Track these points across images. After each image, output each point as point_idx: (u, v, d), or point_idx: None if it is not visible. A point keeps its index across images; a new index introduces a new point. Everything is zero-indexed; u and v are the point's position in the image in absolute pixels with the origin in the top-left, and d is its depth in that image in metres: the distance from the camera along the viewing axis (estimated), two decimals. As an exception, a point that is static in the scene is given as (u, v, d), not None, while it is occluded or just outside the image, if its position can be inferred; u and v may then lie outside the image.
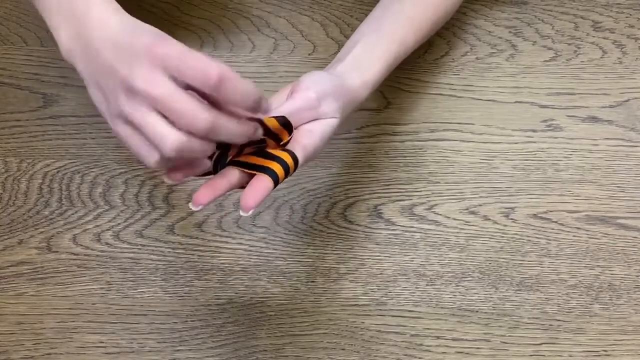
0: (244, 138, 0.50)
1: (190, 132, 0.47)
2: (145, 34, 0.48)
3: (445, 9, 0.70)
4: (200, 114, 0.47)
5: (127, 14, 0.51)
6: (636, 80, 0.76)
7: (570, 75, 0.76)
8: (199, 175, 0.54)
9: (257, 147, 0.55)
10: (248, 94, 0.49)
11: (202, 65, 0.46)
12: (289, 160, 0.54)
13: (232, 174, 0.53)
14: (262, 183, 0.53)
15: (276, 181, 0.53)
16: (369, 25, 0.66)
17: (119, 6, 0.52)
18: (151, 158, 0.48)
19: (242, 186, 0.55)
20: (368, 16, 0.68)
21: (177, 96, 0.47)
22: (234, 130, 0.49)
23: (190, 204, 0.52)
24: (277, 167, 0.54)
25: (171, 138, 0.47)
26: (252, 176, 0.54)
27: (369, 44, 0.64)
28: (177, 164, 0.51)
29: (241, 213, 0.52)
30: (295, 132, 0.57)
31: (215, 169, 0.54)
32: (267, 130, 0.53)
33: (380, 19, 0.67)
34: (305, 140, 0.57)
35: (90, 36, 0.50)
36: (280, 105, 0.57)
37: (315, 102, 0.57)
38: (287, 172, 0.54)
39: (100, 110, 0.51)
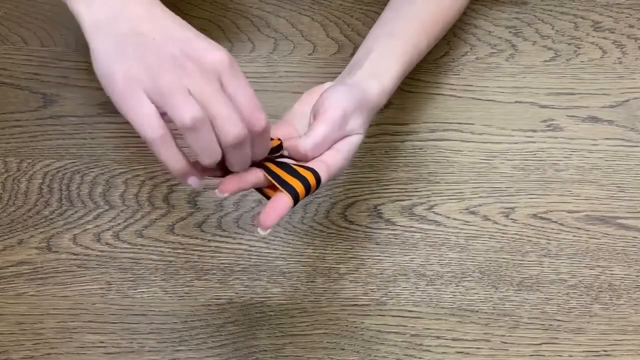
0: (243, 165, 0.52)
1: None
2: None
3: (453, 13, 0.70)
4: (258, 115, 0.49)
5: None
6: (636, 80, 0.76)
7: (570, 75, 0.77)
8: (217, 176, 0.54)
9: (275, 156, 0.56)
10: (267, 150, 0.52)
11: (256, 105, 0.49)
12: (312, 181, 0.55)
13: (259, 173, 0.54)
14: (282, 202, 0.53)
15: (296, 201, 0.54)
16: (380, 31, 0.66)
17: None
18: (190, 112, 0.47)
19: (260, 187, 0.55)
20: (380, 19, 0.67)
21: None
22: (246, 155, 0.51)
23: (216, 191, 0.51)
24: (299, 187, 0.54)
25: (238, 125, 0.48)
26: (270, 182, 0.54)
27: (385, 49, 0.64)
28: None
29: (259, 231, 0.52)
30: None
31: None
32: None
33: (391, 23, 0.66)
34: (331, 159, 0.57)
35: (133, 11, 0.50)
36: (310, 130, 0.56)
37: (343, 121, 0.57)
38: (307, 192, 0.55)
39: (114, 73, 0.48)
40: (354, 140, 0.58)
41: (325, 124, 0.56)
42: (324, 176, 0.56)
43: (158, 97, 0.47)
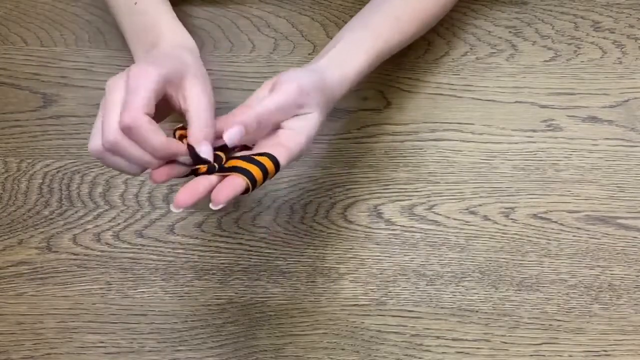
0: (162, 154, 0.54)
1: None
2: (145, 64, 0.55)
3: (433, 14, 0.71)
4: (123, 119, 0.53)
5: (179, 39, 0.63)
6: (636, 80, 0.76)
7: (570, 75, 0.76)
8: (181, 177, 0.56)
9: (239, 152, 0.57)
10: (158, 149, 0.54)
11: (129, 106, 0.53)
12: (268, 164, 0.56)
13: (211, 178, 0.55)
14: (234, 180, 0.54)
15: (253, 182, 0.55)
16: (355, 22, 0.67)
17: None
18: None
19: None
20: (357, 14, 0.68)
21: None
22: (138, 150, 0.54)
23: (171, 206, 0.54)
24: (255, 170, 0.55)
25: (112, 129, 0.53)
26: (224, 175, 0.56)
27: (353, 40, 0.65)
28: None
29: (210, 206, 0.54)
30: (280, 132, 0.58)
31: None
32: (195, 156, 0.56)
33: (368, 16, 0.67)
34: (290, 142, 0.58)
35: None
36: (262, 100, 0.57)
37: (297, 96, 0.58)
38: (265, 175, 0.56)
39: None
40: (312, 119, 0.59)
41: (277, 96, 0.57)
42: (283, 159, 0.57)
43: None
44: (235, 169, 0.55)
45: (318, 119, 0.59)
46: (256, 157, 0.56)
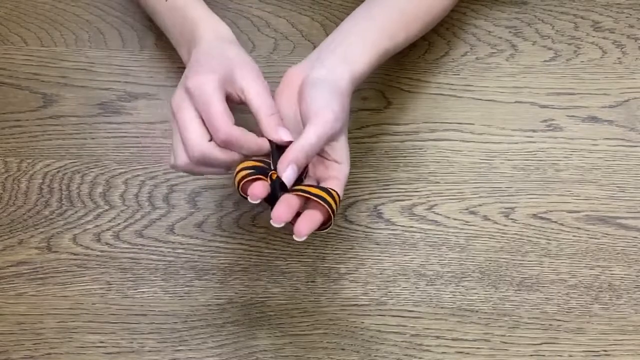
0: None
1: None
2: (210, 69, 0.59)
3: (437, 11, 0.71)
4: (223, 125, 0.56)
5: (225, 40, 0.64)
6: (636, 80, 0.76)
7: (570, 75, 0.77)
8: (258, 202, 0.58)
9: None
10: (256, 151, 0.58)
11: (217, 123, 0.56)
12: (337, 199, 0.59)
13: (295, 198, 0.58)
14: (314, 214, 0.58)
15: (330, 210, 0.58)
16: (360, 16, 0.67)
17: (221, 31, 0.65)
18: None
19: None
20: (360, 6, 0.68)
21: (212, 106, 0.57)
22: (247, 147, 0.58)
23: (271, 221, 0.57)
24: (332, 203, 0.58)
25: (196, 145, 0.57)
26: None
27: (360, 37, 0.65)
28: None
29: (295, 237, 0.57)
30: (328, 164, 0.61)
31: (274, 194, 0.58)
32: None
33: (372, 10, 0.67)
34: (341, 173, 0.61)
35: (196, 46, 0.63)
36: (304, 134, 0.58)
37: (334, 123, 0.59)
38: (334, 211, 0.59)
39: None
40: (342, 142, 0.61)
41: (318, 125, 0.58)
42: (340, 192, 0.60)
43: None
44: (312, 194, 0.58)
45: (345, 137, 0.61)
46: (330, 190, 0.59)
